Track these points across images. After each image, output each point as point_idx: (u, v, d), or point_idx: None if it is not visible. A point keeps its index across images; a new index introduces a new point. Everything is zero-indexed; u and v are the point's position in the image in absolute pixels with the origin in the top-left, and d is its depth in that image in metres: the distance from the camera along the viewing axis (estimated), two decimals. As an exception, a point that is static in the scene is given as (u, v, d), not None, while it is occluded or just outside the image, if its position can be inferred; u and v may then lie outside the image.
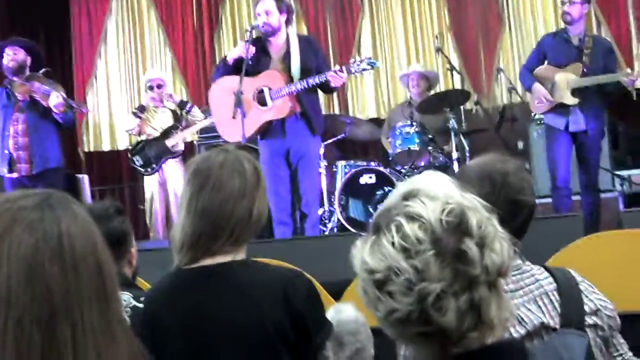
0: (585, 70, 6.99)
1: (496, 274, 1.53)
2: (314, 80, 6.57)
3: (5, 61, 7.63)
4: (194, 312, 2.60)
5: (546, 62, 7.31)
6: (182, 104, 8.75)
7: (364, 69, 6.78)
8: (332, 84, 6.58)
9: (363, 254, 1.56)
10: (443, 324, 1.49)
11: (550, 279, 2.37)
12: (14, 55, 7.63)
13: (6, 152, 7.48)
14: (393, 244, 1.51)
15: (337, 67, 6.59)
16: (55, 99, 7.27)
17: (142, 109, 8.74)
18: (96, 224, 3.41)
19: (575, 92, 6.97)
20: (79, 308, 1.18)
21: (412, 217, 1.52)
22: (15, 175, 7.47)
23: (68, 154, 9.10)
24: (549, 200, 7.38)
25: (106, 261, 1.27)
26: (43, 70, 7.72)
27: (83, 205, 1.32)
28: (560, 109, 7.10)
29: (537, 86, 7.19)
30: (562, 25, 7.44)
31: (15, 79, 7.62)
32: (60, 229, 1.20)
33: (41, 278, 1.15)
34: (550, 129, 7.26)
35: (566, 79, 7.02)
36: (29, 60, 7.73)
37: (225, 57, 7.08)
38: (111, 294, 1.26)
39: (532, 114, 8.59)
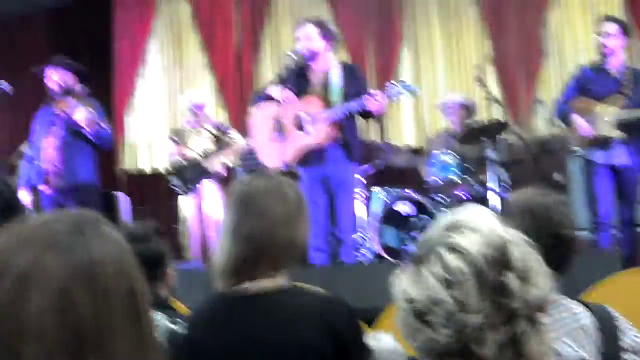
0: (626, 103, 6.87)
1: (536, 308, 1.52)
2: (352, 106, 6.57)
3: (50, 82, 7.71)
4: (237, 337, 2.60)
5: (581, 95, 7.18)
6: (221, 127, 8.79)
7: (401, 93, 6.76)
8: (370, 109, 6.57)
9: (404, 283, 1.56)
10: (482, 357, 1.48)
11: (588, 314, 2.36)
12: (58, 76, 7.70)
13: (39, 163, 7.57)
14: (434, 274, 1.51)
15: (375, 92, 6.58)
16: (81, 113, 7.33)
17: (177, 133, 8.77)
18: (133, 245, 3.43)
19: (616, 125, 6.86)
20: (110, 337, 1.17)
21: (454, 249, 1.52)
22: (46, 188, 7.54)
23: (107, 173, 9.14)
24: (588, 234, 7.30)
25: (139, 287, 1.26)
26: (81, 87, 7.79)
27: (117, 227, 1.31)
28: (601, 142, 6.97)
29: (575, 118, 7.07)
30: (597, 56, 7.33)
31: (58, 98, 7.68)
32: (92, 256, 1.19)
33: (73, 310, 1.14)
34: (589, 163, 7.12)
35: (607, 112, 6.90)
36: (71, 79, 7.78)
37: (264, 90, 7.13)
38: (144, 319, 1.25)
39: (571, 147, 8.54)
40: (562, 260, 2.47)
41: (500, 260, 1.51)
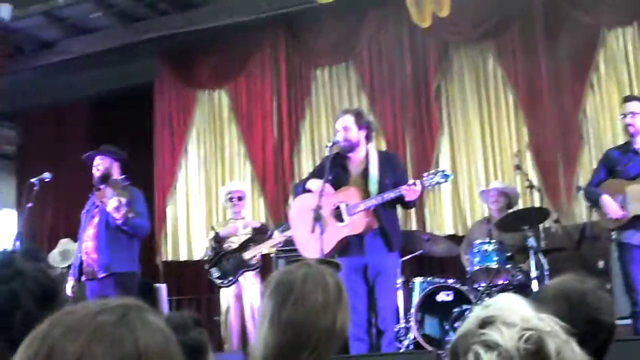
0: None
1: None
2: (389, 195, 6.58)
3: (94, 170, 7.76)
4: None
5: (611, 177, 7.14)
6: (262, 230, 8.81)
7: (438, 182, 6.77)
8: (407, 198, 6.57)
9: None
10: None
11: None
12: (98, 165, 7.75)
13: (79, 255, 7.61)
14: None
15: (411, 182, 6.60)
16: (111, 203, 7.34)
17: (217, 239, 8.78)
18: (175, 334, 3.43)
19: None
20: None
21: (489, 346, 1.51)
22: (83, 277, 7.56)
23: (146, 263, 9.17)
24: (628, 321, 7.16)
25: None
26: (122, 177, 7.82)
27: (161, 316, 1.31)
28: (636, 223, 6.84)
29: (606, 198, 6.97)
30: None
31: (101, 186, 7.75)
32: (139, 348, 1.19)
33: None
34: (624, 246, 6.99)
35: (638, 190, 6.82)
36: (115, 167, 7.83)
37: (304, 181, 7.18)
38: None
39: (612, 233, 8.47)
40: (600, 347, 2.43)
41: (537, 353, 1.49)
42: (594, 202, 7.25)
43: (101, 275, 7.49)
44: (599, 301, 2.47)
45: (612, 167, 7.15)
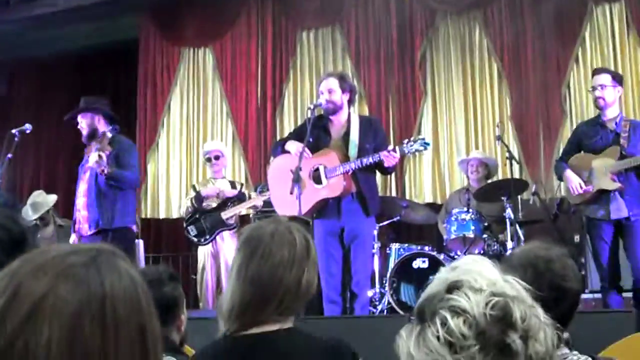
0: (623, 153, 6.77)
1: None
2: (368, 160, 6.60)
3: (81, 127, 7.65)
4: None
5: (582, 152, 7.14)
6: (240, 196, 8.78)
7: (417, 150, 6.78)
8: (386, 164, 6.59)
9: (409, 345, 1.57)
10: None
11: None
12: (83, 121, 7.62)
13: (75, 212, 7.53)
14: (438, 338, 1.51)
15: (391, 147, 6.61)
16: (92, 158, 7.21)
17: (199, 200, 8.75)
18: (150, 287, 3.45)
19: (615, 177, 6.76)
20: None
21: (456, 312, 1.52)
22: (73, 236, 7.46)
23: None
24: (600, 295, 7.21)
25: (150, 325, 1.24)
26: (111, 127, 7.62)
27: (134, 264, 1.31)
28: (600, 197, 6.85)
29: (568, 173, 7.01)
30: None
31: (91, 144, 7.56)
32: (105, 290, 1.19)
33: (81, 341, 1.13)
34: (591, 221, 7.00)
35: (604, 164, 6.81)
36: (98, 120, 7.62)
37: (284, 141, 7.17)
38: (152, 356, 1.23)
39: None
40: (566, 312, 2.46)
41: (503, 319, 1.51)
42: (559, 177, 7.31)
43: (91, 232, 7.38)
44: (564, 268, 2.50)
45: (581, 141, 7.16)
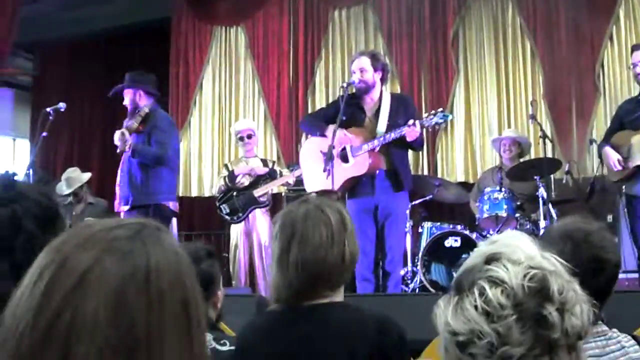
0: None
1: (576, 337, 1.55)
2: (390, 135, 6.61)
3: (126, 102, 7.71)
4: (288, 349, 2.64)
5: (622, 129, 7.05)
6: (272, 173, 8.78)
7: (437, 123, 6.78)
8: (408, 139, 6.59)
9: (447, 315, 1.59)
10: None
11: (637, 347, 2.34)
12: (126, 98, 7.70)
13: (119, 187, 7.60)
14: (476, 307, 1.53)
15: (411, 122, 6.60)
16: (116, 135, 7.35)
17: (232, 179, 8.77)
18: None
19: None
20: (160, 343, 1.18)
21: (494, 282, 1.54)
22: (121, 210, 7.51)
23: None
24: (635, 275, 7.15)
25: (193, 299, 1.26)
26: (150, 101, 7.63)
27: (175, 240, 1.34)
28: (639, 173, 6.77)
29: (607, 150, 6.94)
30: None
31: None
32: (150, 264, 1.21)
33: (126, 311, 1.16)
34: (630, 198, 6.93)
35: None
36: (140, 95, 7.69)
37: (314, 115, 7.22)
38: (195, 331, 1.25)
39: (623, 188, 8.47)
40: (605, 285, 2.45)
41: (540, 291, 1.53)
42: (599, 155, 7.22)
43: (125, 208, 7.49)
44: (603, 240, 2.49)
45: (624, 119, 7.06)
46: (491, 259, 1.58)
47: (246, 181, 8.66)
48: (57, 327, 1.13)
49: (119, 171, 7.63)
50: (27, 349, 1.13)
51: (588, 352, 2.27)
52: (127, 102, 7.69)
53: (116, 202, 7.60)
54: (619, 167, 6.81)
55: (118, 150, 7.43)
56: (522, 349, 1.49)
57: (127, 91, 7.72)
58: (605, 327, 2.36)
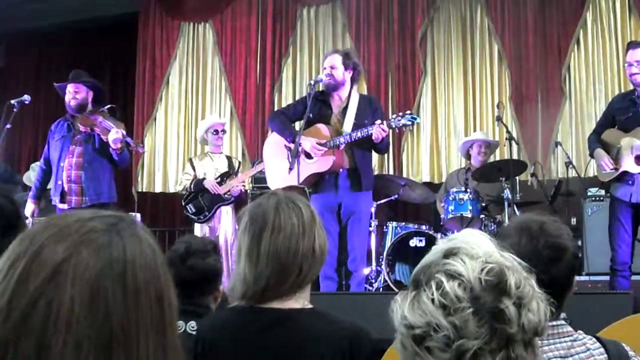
0: None
1: (532, 333, 1.54)
2: (357, 134, 6.62)
3: (67, 98, 7.64)
4: (258, 353, 2.59)
5: (616, 127, 6.90)
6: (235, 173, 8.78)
7: (405, 124, 6.77)
8: (374, 136, 6.56)
9: (403, 309, 1.58)
10: None
11: (602, 350, 2.35)
12: (74, 94, 7.62)
13: (59, 182, 7.45)
14: (433, 300, 1.52)
15: (378, 122, 6.60)
16: (114, 134, 7.21)
17: (197, 186, 8.70)
18: (196, 257, 3.50)
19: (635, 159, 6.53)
20: (136, 336, 1.18)
21: (452, 275, 1.54)
22: (65, 206, 7.40)
23: (121, 192, 9.14)
24: (603, 277, 7.17)
25: (167, 292, 1.27)
26: (108, 106, 7.71)
27: (151, 233, 1.33)
28: (624, 177, 6.65)
29: (598, 152, 6.82)
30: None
31: (77, 115, 7.60)
32: (126, 256, 1.21)
33: (103, 303, 1.15)
34: (614, 200, 6.81)
35: (630, 144, 6.59)
36: (90, 97, 7.68)
37: (282, 112, 7.20)
38: (169, 324, 1.26)
39: (587, 190, 8.50)
40: (566, 274, 2.45)
41: (497, 286, 1.52)
42: (590, 152, 7.06)
43: (86, 205, 7.36)
44: (558, 229, 2.49)
45: (615, 116, 6.91)
46: (449, 254, 1.58)
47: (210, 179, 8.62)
48: (31, 318, 1.13)
49: (69, 165, 7.47)
50: (0, 339, 1.12)
51: (553, 353, 2.28)
52: (77, 96, 7.64)
53: (70, 197, 7.49)
54: (610, 167, 6.71)
55: (119, 152, 7.38)
56: (479, 343, 1.48)
57: (81, 87, 7.69)
58: (570, 329, 2.35)
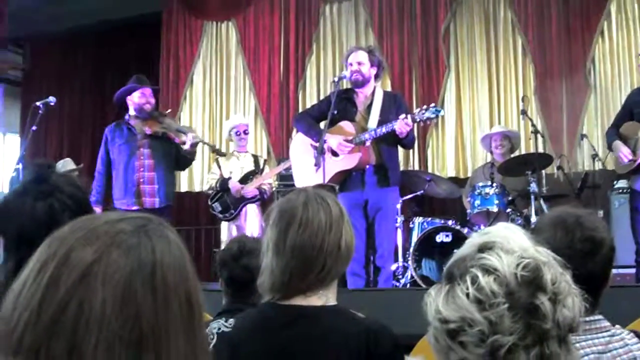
0: None
1: (567, 329, 1.54)
2: (382, 129, 6.61)
3: (139, 102, 7.63)
4: (279, 348, 2.60)
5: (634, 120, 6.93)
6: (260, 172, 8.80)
7: (429, 118, 6.74)
8: (398, 131, 6.54)
9: (437, 302, 1.58)
10: None
11: None
12: (149, 98, 7.68)
13: (131, 185, 7.47)
14: (468, 295, 1.53)
15: (402, 116, 6.59)
16: (192, 138, 7.33)
17: (223, 185, 8.71)
18: (247, 257, 3.50)
19: None
20: (166, 336, 1.19)
21: (487, 270, 1.54)
22: (136, 207, 7.40)
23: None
24: (630, 270, 7.14)
25: (196, 292, 1.28)
26: (169, 110, 7.78)
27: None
28: None
29: (617, 143, 6.86)
30: None
31: (144, 119, 7.61)
32: (155, 257, 1.22)
33: (133, 304, 1.16)
34: (634, 193, 6.86)
35: None
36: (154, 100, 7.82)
37: (308, 112, 7.21)
38: (198, 324, 1.27)
39: (614, 183, 8.43)
40: (602, 268, 2.42)
41: (533, 281, 1.52)
42: (609, 145, 7.11)
43: (160, 205, 7.46)
44: (594, 222, 2.45)
45: (633, 109, 6.96)
46: (484, 248, 1.57)
47: (236, 177, 8.63)
48: (63, 320, 1.13)
49: (140, 166, 7.52)
50: (32, 342, 1.13)
51: (591, 349, 2.25)
52: (151, 100, 7.71)
53: (144, 198, 7.51)
54: (629, 159, 6.73)
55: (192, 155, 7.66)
56: (513, 338, 1.49)
57: (150, 91, 7.76)
58: (607, 323, 2.33)
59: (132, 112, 7.70)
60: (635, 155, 6.74)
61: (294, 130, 7.71)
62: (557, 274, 1.56)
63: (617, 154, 6.88)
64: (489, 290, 1.51)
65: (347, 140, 6.70)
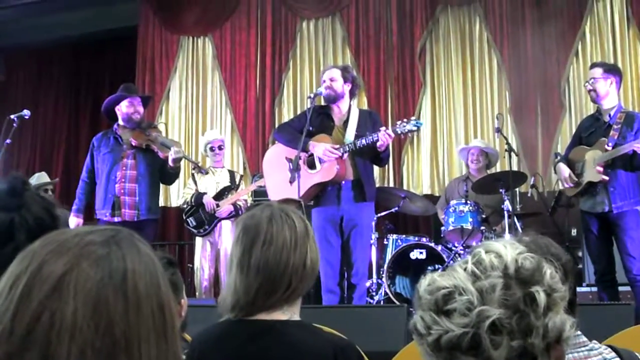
0: (610, 144, 6.67)
1: (554, 336, 1.56)
2: (361, 142, 6.62)
3: (127, 111, 7.58)
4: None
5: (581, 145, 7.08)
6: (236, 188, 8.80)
7: (410, 130, 6.79)
8: (379, 143, 6.56)
9: (434, 275, 1.63)
10: (492, 356, 1.51)
11: (618, 359, 2.34)
12: (137, 108, 7.62)
13: (110, 195, 7.41)
14: (465, 269, 1.58)
15: (383, 128, 6.61)
16: (175, 153, 7.25)
17: (197, 200, 8.70)
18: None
19: (605, 169, 6.66)
20: (138, 344, 1.19)
21: (491, 252, 1.60)
22: (117, 219, 7.32)
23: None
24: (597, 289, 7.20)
25: (168, 301, 1.28)
26: (162, 122, 7.73)
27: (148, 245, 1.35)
28: (589, 189, 6.80)
29: (559, 166, 7.02)
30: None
31: (131, 129, 7.57)
32: (126, 266, 1.22)
33: (105, 312, 1.16)
34: (584, 215, 6.96)
35: (593, 157, 6.77)
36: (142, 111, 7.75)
37: (286, 126, 7.23)
38: (171, 333, 1.26)
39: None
40: (571, 293, 2.45)
41: (533, 271, 1.57)
42: (554, 169, 7.32)
43: (139, 219, 7.38)
44: (558, 249, 2.51)
45: (582, 135, 7.12)
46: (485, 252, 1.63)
47: (211, 194, 8.62)
48: (36, 331, 1.14)
49: (121, 177, 7.46)
50: (5, 355, 1.13)
51: None
52: (140, 110, 7.67)
53: (124, 209, 7.43)
54: (570, 184, 6.93)
55: (176, 170, 7.55)
56: (500, 313, 1.51)
57: (140, 102, 7.72)
58: (585, 339, 2.35)
59: (120, 121, 7.66)
60: (580, 177, 6.90)
61: (271, 144, 7.70)
62: (557, 277, 1.61)
63: (559, 177, 7.15)
64: (488, 264, 1.56)
65: (335, 147, 6.70)
